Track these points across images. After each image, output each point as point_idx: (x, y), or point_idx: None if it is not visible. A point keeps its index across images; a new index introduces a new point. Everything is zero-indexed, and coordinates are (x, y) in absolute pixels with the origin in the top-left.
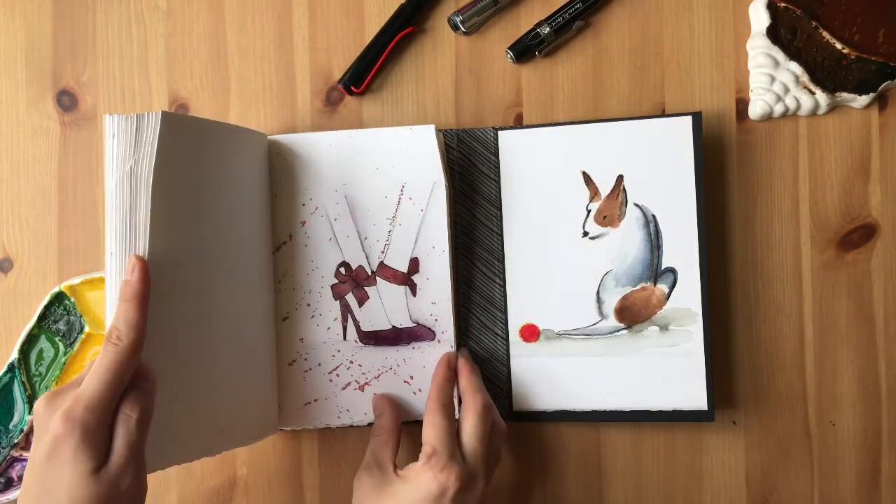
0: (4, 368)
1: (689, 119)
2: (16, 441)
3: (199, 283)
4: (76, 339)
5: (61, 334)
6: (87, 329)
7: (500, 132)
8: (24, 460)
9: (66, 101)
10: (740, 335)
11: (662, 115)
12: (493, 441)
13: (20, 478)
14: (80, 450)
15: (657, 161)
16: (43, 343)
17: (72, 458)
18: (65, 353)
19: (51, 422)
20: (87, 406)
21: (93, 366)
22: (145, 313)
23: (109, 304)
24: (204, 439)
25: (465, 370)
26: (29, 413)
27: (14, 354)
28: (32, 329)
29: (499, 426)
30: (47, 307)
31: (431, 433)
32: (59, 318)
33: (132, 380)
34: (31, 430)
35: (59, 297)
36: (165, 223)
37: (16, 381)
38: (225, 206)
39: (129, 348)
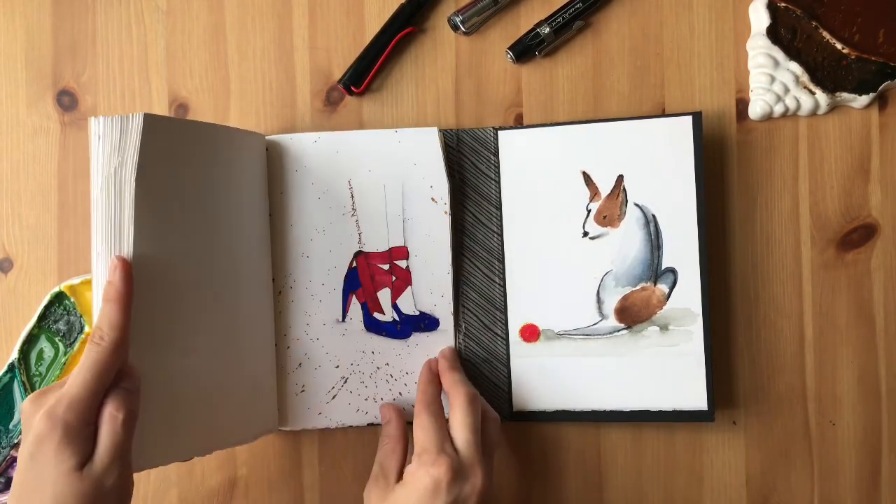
0: (4, 368)
1: (689, 119)
2: (16, 441)
3: (193, 282)
4: (76, 339)
5: (61, 334)
6: (87, 329)
7: (500, 132)
8: None
9: (66, 101)
10: (740, 335)
11: (662, 115)
12: (487, 430)
13: None
14: (62, 447)
15: (657, 161)
16: (43, 343)
17: (54, 456)
18: (65, 353)
19: (35, 422)
20: (69, 405)
21: (77, 366)
22: (128, 313)
23: (96, 305)
24: (198, 438)
25: (443, 368)
26: None
27: (14, 354)
28: (32, 329)
29: (489, 414)
30: (47, 307)
31: (420, 434)
32: (59, 318)
33: (117, 379)
34: None
35: (59, 297)
36: (151, 224)
37: (16, 381)
38: (218, 206)
39: (110, 348)
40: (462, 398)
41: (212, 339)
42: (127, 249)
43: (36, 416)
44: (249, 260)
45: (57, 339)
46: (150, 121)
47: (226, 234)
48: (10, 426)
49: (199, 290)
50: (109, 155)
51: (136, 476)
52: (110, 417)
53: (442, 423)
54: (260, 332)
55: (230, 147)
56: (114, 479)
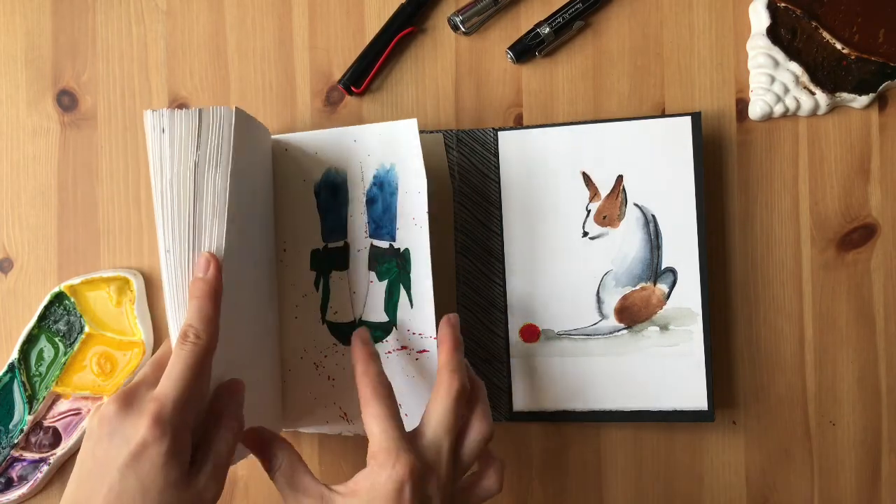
0: (4, 368)
1: (688, 119)
2: (16, 441)
3: (246, 277)
4: (76, 339)
5: (61, 334)
6: (87, 329)
7: (499, 132)
8: (24, 460)
9: (66, 101)
10: (740, 335)
11: (662, 115)
12: (470, 442)
13: (20, 478)
14: (170, 456)
15: (657, 161)
16: (43, 343)
17: (163, 465)
18: (65, 353)
19: (132, 426)
20: (175, 409)
21: (169, 368)
22: (219, 310)
23: (170, 303)
24: None
25: (447, 342)
26: (29, 413)
27: (14, 354)
28: (32, 329)
29: (483, 427)
30: (47, 307)
31: (374, 425)
32: (59, 318)
33: (231, 392)
34: (31, 430)
35: (59, 297)
36: (228, 220)
37: (16, 381)
38: (254, 202)
39: (207, 345)
40: (454, 391)
41: (248, 332)
42: (215, 245)
43: (134, 420)
44: (265, 256)
45: (57, 339)
46: (241, 116)
47: (253, 231)
48: (10, 426)
49: (247, 284)
50: (182, 149)
51: None
52: (224, 440)
53: (395, 411)
54: (269, 328)
55: (260, 141)
56: (212, 495)
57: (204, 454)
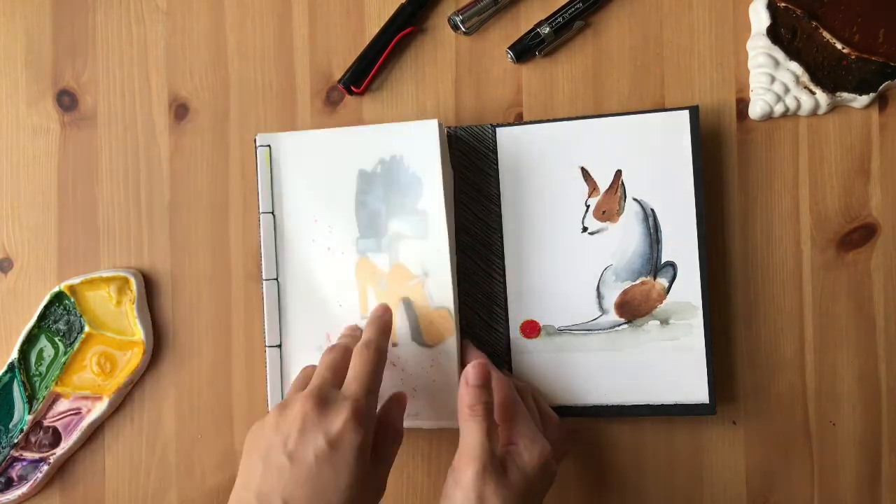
0: (4, 368)
1: (685, 113)
2: (16, 441)
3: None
4: (76, 338)
5: (61, 334)
6: (86, 329)
7: (498, 129)
8: (24, 460)
9: (66, 101)
10: (740, 335)
11: (661, 109)
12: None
13: (20, 477)
14: (362, 450)
15: (655, 155)
16: (43, 343)
17: (354, 459)
18: (65, 353)
19: (331, 422)
20: (367, 407)
21: (357, 373)
22: (388, 339)
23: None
24: None
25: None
26: (29, 413)
27: (14, 354)
28: (32, 329)
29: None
30: (47, 307)
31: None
32: (59, 318)
33: (398, 403)
34: (30, 430)
35: (59, 297)
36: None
37: (16, 380)
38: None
39: (383, 358)
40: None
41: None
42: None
43: (333, 418)
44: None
45: (57, 339)
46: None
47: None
48: (10, 426)
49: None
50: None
51: (134, 475)
52: (392, 446)
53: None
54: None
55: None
56: (380, 496)
57: (377, 456)
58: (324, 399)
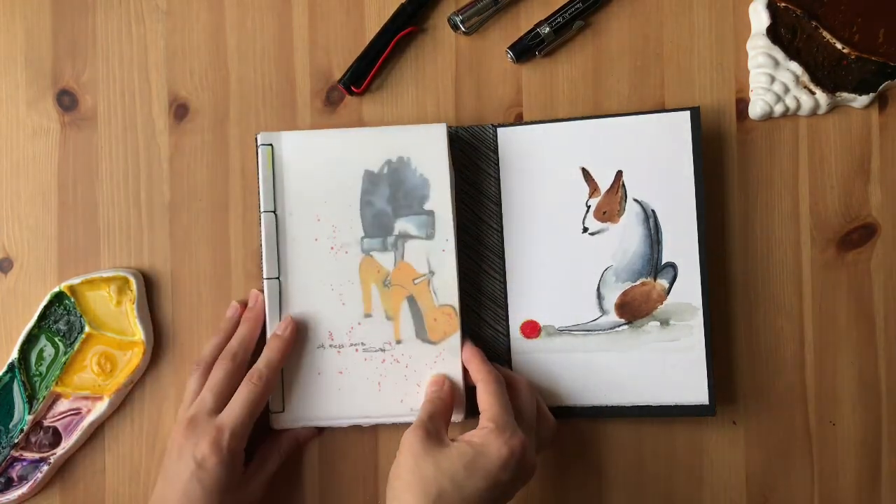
0: (4, 368)
1: (686, 114)
2: (16, 441)
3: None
4: (76, 339)
5: (61, 334)
6: (87, 329)
7: (499, 129)
8: (24, 460)
9: (66, 101)
10: (740, 334)
11: (662, 109)
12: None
13: (20, 478)
14: (225, 468)
15: (656, 156)
16: (43, 343)
17: (218, 476)
18: (65, 353)
19: (196, 447)
20: (232, 436)
21: (239, 402)
22: (284, 362)
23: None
24: None
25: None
26: (29, 413)
27: (14, 354)
28: (32, 329)
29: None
30: (47, 307)
31: (493, 402)
32: (59, 318)
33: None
34: (31, 430)
35: (59, 297)
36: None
37: (16, 380)
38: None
39: (268, 389)
40: (523, 383)
41: None
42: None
43: (197, 442)
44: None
45: (57, 339)
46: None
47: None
48: (10, 426)
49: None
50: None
51: (134, 475)
52: (276, 459)
53: (509, 399)
54: None
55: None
56: (258, 498)
57: (259, 465)
58: (193, 427)
